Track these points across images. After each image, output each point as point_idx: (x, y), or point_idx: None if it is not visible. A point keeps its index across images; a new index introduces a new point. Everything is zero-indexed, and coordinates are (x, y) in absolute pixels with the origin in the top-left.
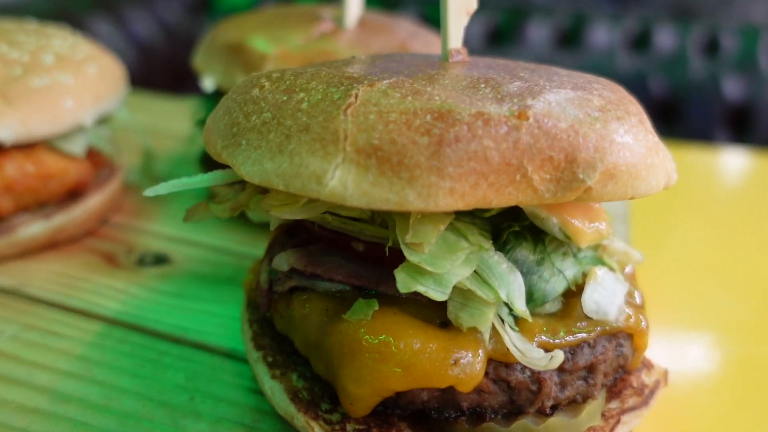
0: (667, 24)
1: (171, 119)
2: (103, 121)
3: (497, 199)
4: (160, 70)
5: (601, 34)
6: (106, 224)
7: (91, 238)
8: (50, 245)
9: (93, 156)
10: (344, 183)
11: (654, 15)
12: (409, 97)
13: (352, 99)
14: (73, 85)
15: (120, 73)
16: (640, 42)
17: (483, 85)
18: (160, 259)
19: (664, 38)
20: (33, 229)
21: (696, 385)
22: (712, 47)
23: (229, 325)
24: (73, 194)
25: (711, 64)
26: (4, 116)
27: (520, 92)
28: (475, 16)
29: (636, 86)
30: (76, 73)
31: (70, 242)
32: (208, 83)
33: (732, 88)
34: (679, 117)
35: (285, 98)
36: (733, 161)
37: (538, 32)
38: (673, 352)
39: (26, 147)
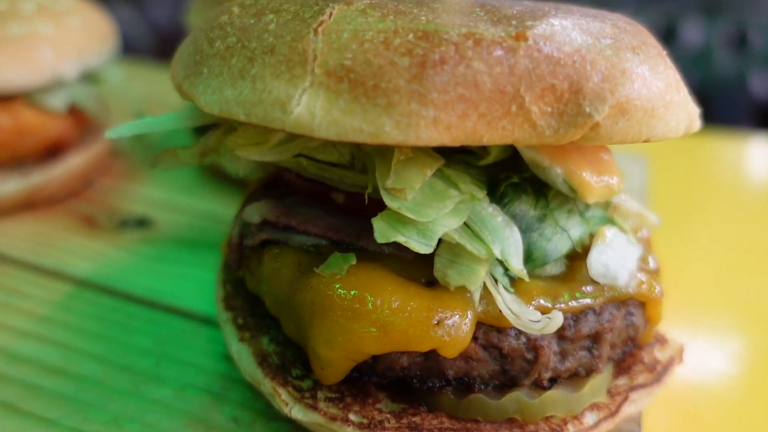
0: (692, 18)
1: (172, 89)
2: (90, 78)
3: (490, 134)
4: None
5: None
6: (91, 186)
7: (73, 199)
8: (28, 205)
9: (76, 114)
10: (312, 110)
11: (679, 9)
12: (391, 17)
13: (325, 17)
14: (54, 35)
15: (107, 27)
16: (665, 37)
17: (478, 10)
18: (143, 222)
19: (690, 33)
20: (8, 186)
21: (714, 372)
22: (739, 42)
23: (207, 289)
24: (53, 152)
25: (738, 59)
26: None
27: (519, 15)
28: None
29: None
30: (57, 23)
31: (49, 203)
32: None
33: (760, 84)
34: (704, 114)
35: (252, 21)
36: (760, 150)
37: None
38: (692, 338)
39: (2, 99)
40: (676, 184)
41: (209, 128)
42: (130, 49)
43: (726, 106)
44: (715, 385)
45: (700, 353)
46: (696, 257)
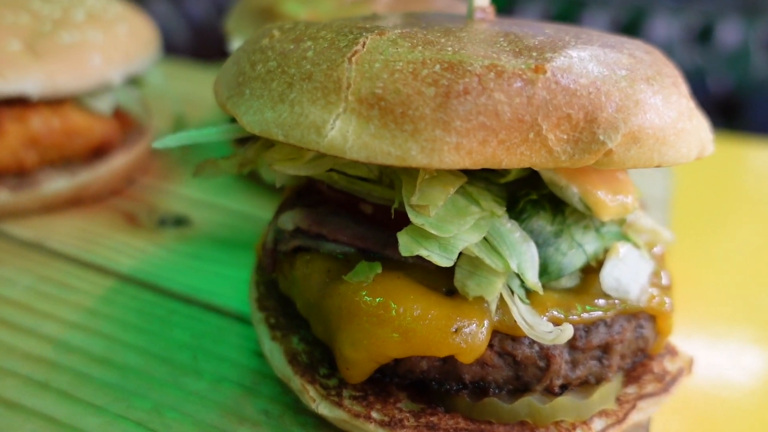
0: (730, 19)
1: (208, 88)
2: (133, 82)
3: (508, 158)
4: (214, 51)
5: (661, 28)
6: (133, 185)
7: (116, 197)
8: (74, 202)
9: (121, 116)
10: (344, 134)
11: (717, 9)
12: (420, 47)
13: (359, 47)
14: (102, 42)
15: (151, 34)
16: (702, 37)
17: (502, 39)
18: (181, 221)
19: (728, 34)
20: (57, 184)
21: (730, 383)
22: None
23: (241, 288)
24: (99, 152)
25: None
26: (32, 70)
27: (540, 46)
28: (531, 6)
29: (694, 82)
30: (106, 31)
31: (94, 200)
32: (236, 45)
33: None
34: (739, 117)
35: (292, 47)
36: None
37: (595, 24)
38: (711, 348)
39: (53, 102)
40: (702, 193)
41: (247, 138)
42: (166, 45)
43: (762, 110)
44: (731, 396)
45: (718, 364)
46: (720, 267)
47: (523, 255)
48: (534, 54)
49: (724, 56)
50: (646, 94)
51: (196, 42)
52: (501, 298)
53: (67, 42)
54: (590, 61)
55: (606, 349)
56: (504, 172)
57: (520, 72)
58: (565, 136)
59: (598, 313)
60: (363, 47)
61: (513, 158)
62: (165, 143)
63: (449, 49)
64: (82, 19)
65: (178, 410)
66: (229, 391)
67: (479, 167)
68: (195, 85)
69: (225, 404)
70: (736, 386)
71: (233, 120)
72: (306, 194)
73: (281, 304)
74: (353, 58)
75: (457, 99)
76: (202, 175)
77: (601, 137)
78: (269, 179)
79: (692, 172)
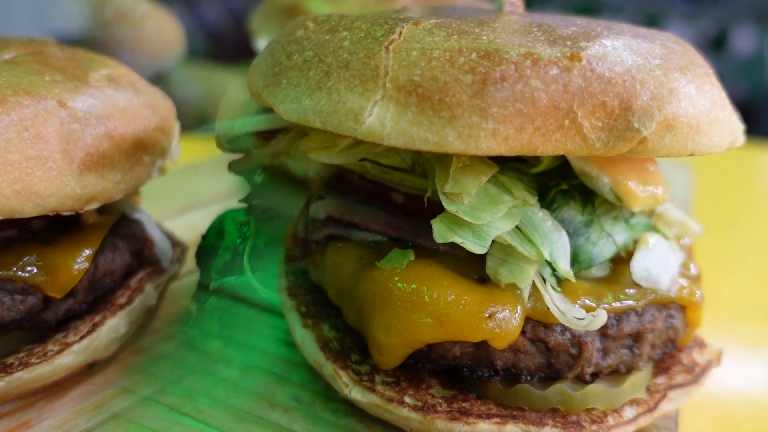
0: (745, 26)
1: (229, 89)
2: (158, 80)
3: (544, 145)
4: (229, 54)
5: (675, 34)
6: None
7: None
8: None
9: None
10: (382, 121)
11: (731, 16)
12: (455, 36)
13: (396, 36)
14: (131, 39)
15: (177, 32)
16: (716, 43)
17: (536, 29)
18: None
19: (742, 41)
20: None
21: (753, 381)
22: None
23: (269, 281)
24: None
25: None
26: None
27: (574, 36)
28: (543, 12)
29: None
30: (134, 28)
31: None
32: (262, 44)
33: None
34: (754, 123)
35: (328, 37)
36: None
37: None
38: (732, 346)
39: None
40: (722, 194)
41: (274, 133)
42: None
43: None
44: (754, 394)
45: (739, 361)
46: (739, 267)
47: (555, 243)
48: (569, 43)
49: (738, 63)
50: (680, 83)
51: (211, 46)
52: (533, 286)
53: (96, 38)
54: (624, 50)
55: (637, 337)
56: (535, 162)
57: (556, 60)
58: (600, 124)
59: (629, 302)
60: (399, 36)
61: (548, 145)
62: (212, 130)
63: (484, 38)
64: (111, 16)
65: (210, 396)
66: (259, 378)
67: (515, 154)
68: (216, 87)
69: (256, 391)
70: (760, 384)
71: (264, 112)
72: (336, 185)
73: (311, 293)
74: (390, 47)
75: (494, 86)
76: (237, 168)
77: (636, 125)
78: (298, 171)
79: (709, 175)
